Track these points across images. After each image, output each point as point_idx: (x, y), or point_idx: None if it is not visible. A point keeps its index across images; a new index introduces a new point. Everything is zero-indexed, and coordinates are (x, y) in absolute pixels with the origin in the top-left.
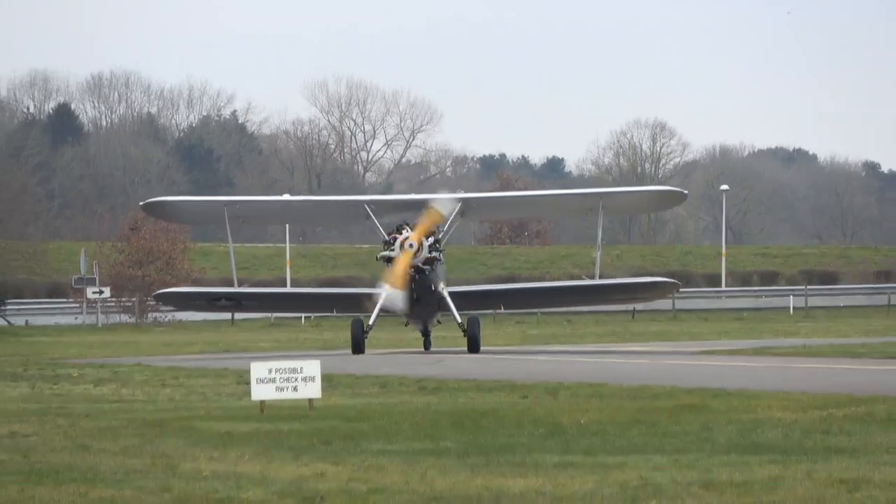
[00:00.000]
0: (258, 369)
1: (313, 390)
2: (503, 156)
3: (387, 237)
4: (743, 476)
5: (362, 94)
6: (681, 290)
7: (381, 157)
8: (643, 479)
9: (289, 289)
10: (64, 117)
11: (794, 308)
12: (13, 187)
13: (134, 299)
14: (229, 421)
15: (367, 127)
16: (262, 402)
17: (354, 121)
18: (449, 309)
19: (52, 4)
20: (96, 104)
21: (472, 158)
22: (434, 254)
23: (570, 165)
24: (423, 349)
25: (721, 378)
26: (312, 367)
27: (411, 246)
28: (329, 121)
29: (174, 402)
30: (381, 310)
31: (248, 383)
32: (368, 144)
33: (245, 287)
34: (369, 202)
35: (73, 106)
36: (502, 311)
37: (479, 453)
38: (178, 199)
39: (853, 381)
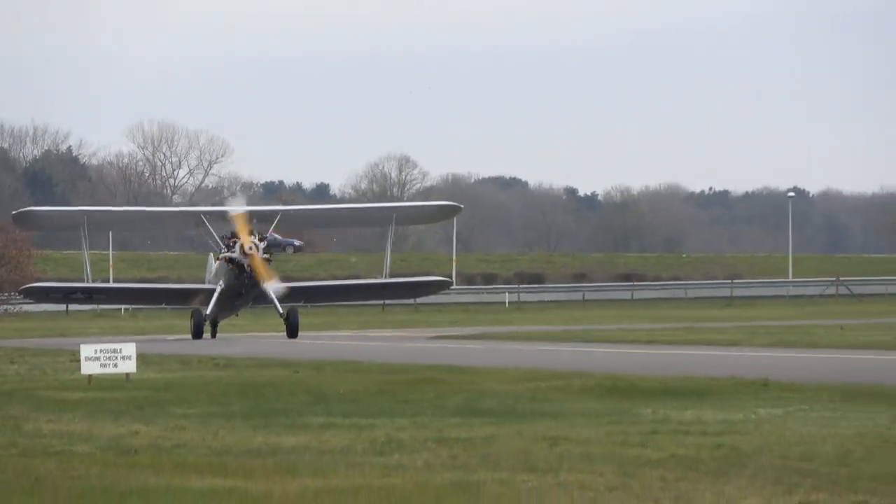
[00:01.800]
0: (86, 350)
1: (130, 366)
2: (281, 182)
3: (222, 243)
4: (467, 434)
5: (170, 133)
6: None
7: (186, 182)
8: (389, 436)
9: (132, 285)
10: None
11: (508, 302)
12: None
13: None
14: (63, 390)
15: (174, 159)
16: (90, 376)
17: (164, 154)
18: (272, 301)
19: None
20: None
21: (257, 184)
22: (266, 255)
23: (335, 190)
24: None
25: (450, 357)
26: (129, 349)
27: (253, 246)
28: (144, 154)
29: (20, 376)
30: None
31: (79, 361)
32: (175, 173)
33: (97, 282)
34: (203, 212)
35: None
36: (305, 304)
37: (259, 416)
38: (45, 209)
39: (555, 359)
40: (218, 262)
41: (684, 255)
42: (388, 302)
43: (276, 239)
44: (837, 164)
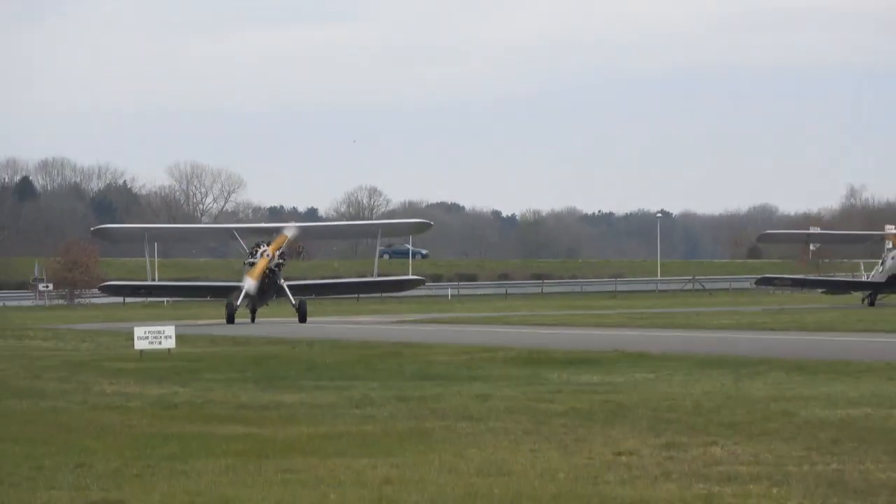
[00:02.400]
0: (138, 331)
1: (170, 343)
2: (282, 206)
3: (248, 250)
4: (420, 393)
5: (199, 171)
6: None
7: (211, 207)
8: (363, 395)
9: (185, 283)
10: (24, 185)
11: (451, 296)
12: None
13: (66, 290)
14: (121, 362)
15: (203, 190)
16: (141, 351)
17: (195, 186)
18: (287, 295)
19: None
20: (44, 177)
21: (264, 208)
22: (280, 261)
23: (322, 212)
24: (250, 321)
25: (408, 336)
26: (170, 330)
27: (267, 255)
28: (180, 186)
29: (89, 351)
30: (244, 293)
31: (132, 340)
32: (203, 200)
33: (156, 281)
34: (236, 228)
35: (30, 177)
36: (314, 297)
37: (267, 380)
38: (117, 226)
39: (485, 338)
40: (245, 267)
41: (580, 261)
42: (361, 295)
43: (408, 249)
44: (693, 191)
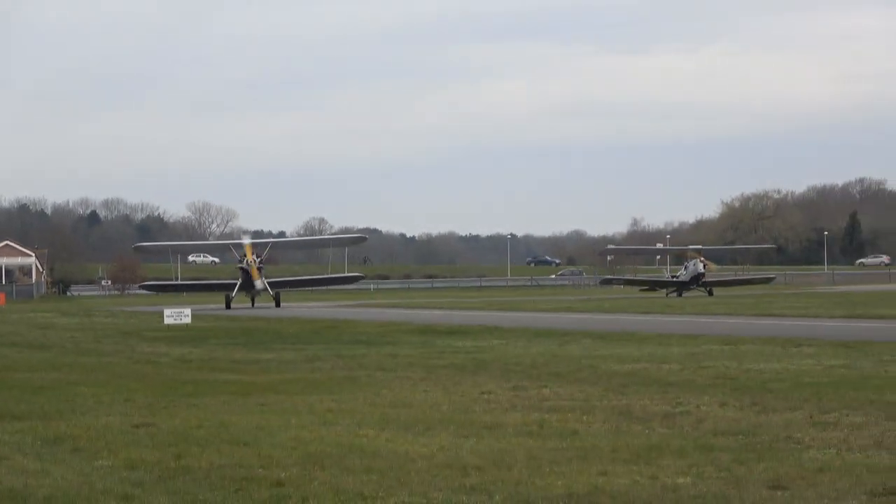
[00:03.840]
0: (167, 312)
1: (188, 320)
2: (262, 229)
3: (240, 258)
4: (351, 353)
5: (207, 207)
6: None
7: (216, 231)
8: (313, 354)
9: (201, 281)
10: (92, 218)
11: (372, 289)
12: (74, 246)
13: (119, 286)
14: (154, 332)
15: (209, 219)
16: (168, 325)
17: (205, 217)
18: (266, 288)
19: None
20: (106, 211)
21: (249, 230)
22: (261, 266)
23: (289, 233)
24: (251, 306)
25: (344, 315)
26: (188, 311)
27: (255, 262)
28: (195, 217)
29: (134, 325)
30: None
31: (163, 317)
32: (211, 226)
33: (180, 281)
34: (231, 244)
35: (97, 210)
36: (284, 289)
37: (251, 344)
38: (150, 243)
39: (395, 316)
40: (237, 268)
41: (458, 266)
42: (312, 288)
43: (546, 258)
44: (532, 219)
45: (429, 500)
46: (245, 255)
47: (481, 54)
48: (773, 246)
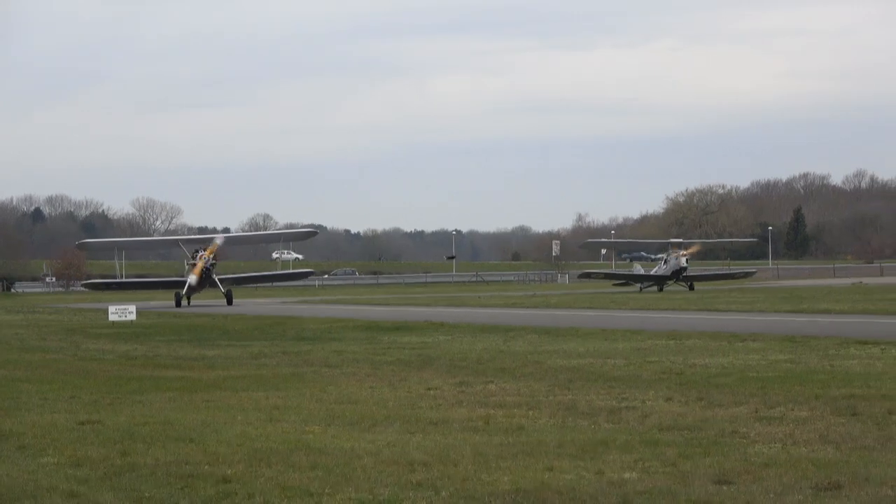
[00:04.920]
0: (111, 308)
1: (132, 317)
2: (206, 226)
3: (190, 255)
4: (297, 349)
5: (151, 203)
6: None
7: (161, 228)
8: (259, 350)
9: (146, 279)
10: (36, 215)
11: (318, 285)
12: (18, 243)
13: (63, 282)
14: (99, 328)
15: (154, 216)
16: (113, 322)
17: (150, 214)
18: (218, 285)
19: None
20: (50, 207)
21: (194, 227)
22: (213, 262)
23: (233, 230)
24: (187, 304)
25: (290, 311)
26: (132, 308)
27: (203, 258)
28: (139, 213)
29: (79, 322)
30: (188, 285)
31: (107, 314)
32: (155, 222)
33: (122, 279)
34: (181, 240)
35: (41, 208)
36: (236, 286)
37: (196, 341)
38: (95, 240)
39: (340, 313)
40: (187, 266)
41: (403, 262)
42: (258, 285)
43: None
44: (477, 216)
45: (375, 497)
46: (201, 252)
47: (424, 50)
48: (755, 240)
